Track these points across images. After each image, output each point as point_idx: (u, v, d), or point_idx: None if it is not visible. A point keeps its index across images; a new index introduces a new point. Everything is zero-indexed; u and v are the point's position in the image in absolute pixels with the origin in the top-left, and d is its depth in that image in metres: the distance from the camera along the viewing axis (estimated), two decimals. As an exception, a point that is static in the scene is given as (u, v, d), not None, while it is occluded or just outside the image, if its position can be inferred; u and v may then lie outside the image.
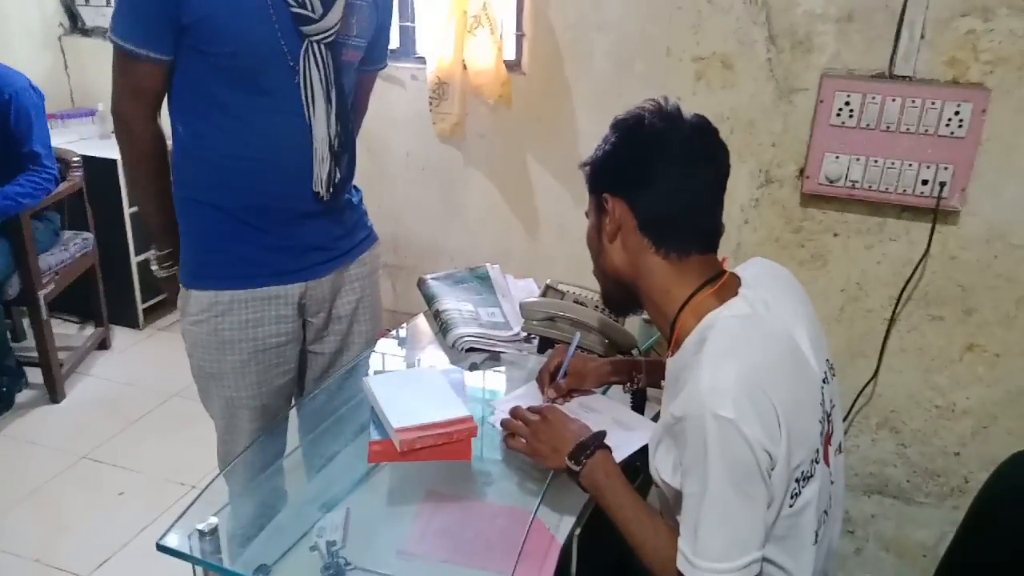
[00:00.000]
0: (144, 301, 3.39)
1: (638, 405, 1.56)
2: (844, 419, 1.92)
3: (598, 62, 2.25)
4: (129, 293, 3.35)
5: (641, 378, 1.46)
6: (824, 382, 1.13)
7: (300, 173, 1.47)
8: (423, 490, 1.38)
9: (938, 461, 1.91)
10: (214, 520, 1.18)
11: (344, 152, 1.50)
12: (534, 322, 1.64)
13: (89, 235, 3.10)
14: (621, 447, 1.26)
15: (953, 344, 1.81)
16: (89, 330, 3.31)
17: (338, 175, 1.50)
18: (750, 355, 1.02)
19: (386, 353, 1.81)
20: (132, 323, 3.40)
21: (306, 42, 1.38)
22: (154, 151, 1.48)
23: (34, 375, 2.91)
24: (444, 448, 1.27)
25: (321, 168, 1.47)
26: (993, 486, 1.36)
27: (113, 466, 2.56)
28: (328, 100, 1.43)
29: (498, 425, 1.35)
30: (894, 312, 1.81)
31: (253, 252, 1.50)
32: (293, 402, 1.74)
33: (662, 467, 1.06)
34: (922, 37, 1.64)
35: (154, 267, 1.62)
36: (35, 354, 2.88)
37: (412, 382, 1.44)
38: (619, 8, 2.30)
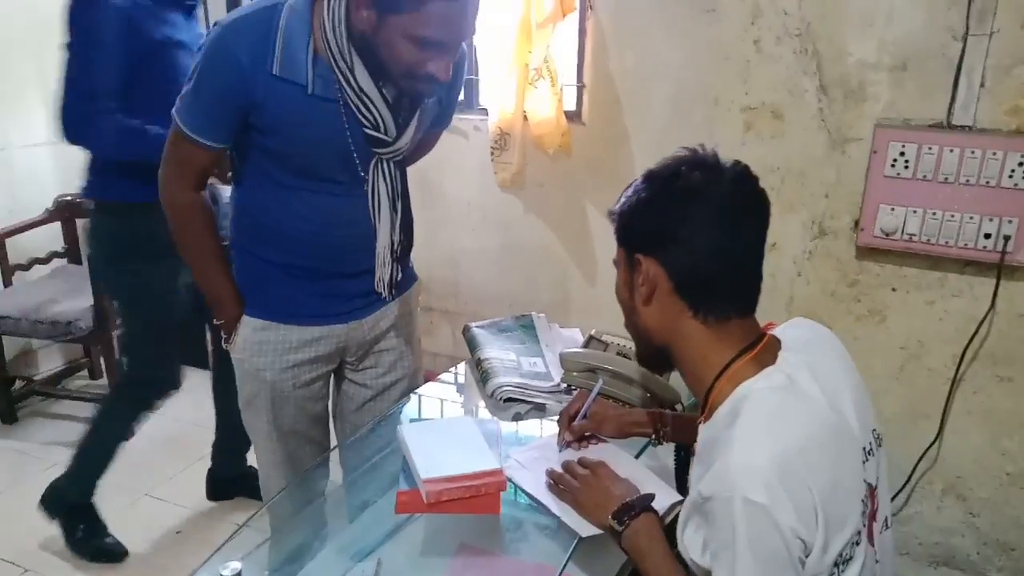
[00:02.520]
0: (214, 343, 3.48)
1: (681, 474, 1.51)
2: (906, 483, 1.82)
3: (656, 111, 2.25)
4: (199, 334, 3.46)
5: (667, 432, 1.41)
6: (869, 454, 1.06)
7: (358, 270, 1.54)
8: (454, 543, 1.36)
9: (1011, 533, 1.79)
10: (237, 565, 1.19)
11: (406, 255, 1.54)
12: (574, 373, 1.62)
13: (163, 278, 3.22)
14: None
15: (1023, 407, 1.70)
16: (161, 370, 3.42)
17: (399, 275, 1.54)
18: (786, 433, 0.95)
19: (431, 398, 1.82)
20: (202, 364, 3.50)
21: (375, 158, 1.42)
22: (195, 219, 1.51)
23: (105, 413, 3.01)
24: (472, 501, 1.26)
25: (383, 272, 1.53)
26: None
27: (173, 504, 2.61)
28: (394, 210, 1.48)
29: (513, 476, 1.34)
30: (957, 371, 1.72)
31: (299, 296, 1.55)
32: (331, 431, 1.77)
33: (691, 546, 1.01)
34: (982, 85, 1.59)
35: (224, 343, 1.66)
36: (108, 392, 2.99)
37: (446, 432, 1.43)
38: (677, 57, 2.30)
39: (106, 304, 2.85)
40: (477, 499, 1.26)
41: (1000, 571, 1.82)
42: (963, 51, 1.59)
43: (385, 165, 1.44)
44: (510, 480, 1.33)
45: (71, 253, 3.32)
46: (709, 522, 0.95)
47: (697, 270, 1.05)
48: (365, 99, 1.35)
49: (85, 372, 3.44)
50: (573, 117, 2.54)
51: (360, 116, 1.37)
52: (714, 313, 1.05)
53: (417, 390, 1.78)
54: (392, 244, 1.51)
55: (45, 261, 3.22)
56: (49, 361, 3.40)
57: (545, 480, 1.33)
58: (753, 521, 0.90)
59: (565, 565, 1.22)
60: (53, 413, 3.17)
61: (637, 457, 1.45)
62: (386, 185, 1.45)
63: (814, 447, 0.96)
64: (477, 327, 1.85)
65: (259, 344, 1.57)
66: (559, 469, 1.35)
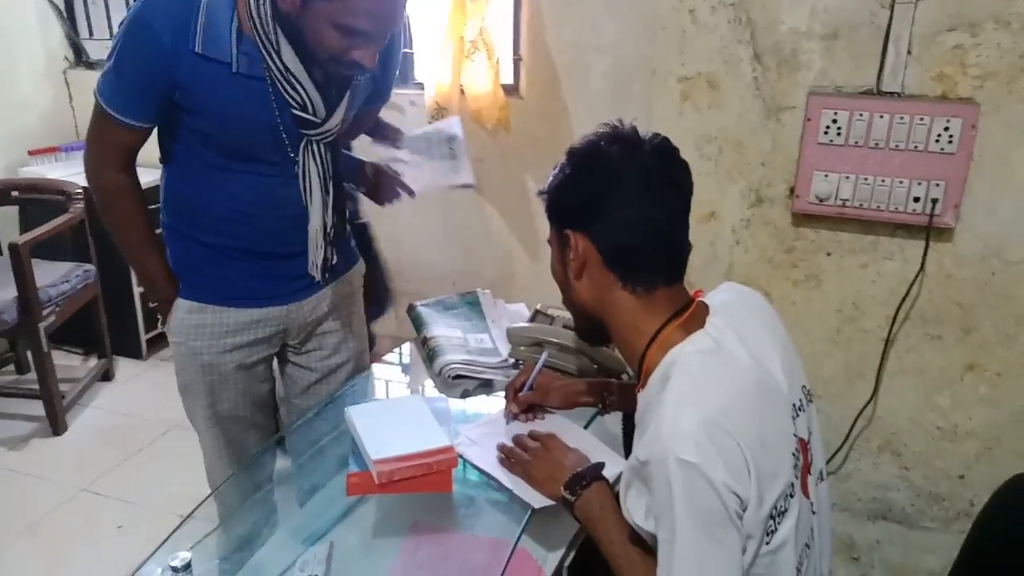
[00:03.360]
0: (147, 331, 3.40)
1: (628, 439, 1.53)
2: (844, 442, 1.88)
3: (595, 84, 2.26)
4: (132, 324, 3.36)
5: (613, 400, 1.43)
6: (799, 410, 1.10)
7: (293, 251, 1.51)
8: (407, 522, 1.36)
9: (942, 485, 1.86)
10: (187, 555, 1.16)
11: (339, 239, 1.52)
12: (521, 348, 1.62)
13: (91, 267, 3.12)
14: None
15: (953, 364, 1.77)
16: (93, 361, 3.32)
17: (334, 258, 1.52)
18: (713, 393, 0.99)
19: (377, 379, 1.80)
20: (135, 354, 3.41)
21: (305, 139, 1.39)
22: (121, 200, 1.46)
23: (36, 407, 2.91)
24: (424, 480, 1.26)
25: (316, 255, 1.51)
26: (993, 509, 1.33)
27: (113, 498, 2.55)
28: (326, 191, 1.45)
29: (464, 452, 1.35)
30: (890, 332, 1.77)
31: (235, 278, 1.52)
32: (277, 417, 1.75)
33: (635, 511, 1.03)
34: (909, 53, 1.62)
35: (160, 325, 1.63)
36: (36, 386, 2.89)
37: (394, 412, 1.42)
38: (616, 30, 2.31)
39: (31, 295, 2.74)
40: (429, 477, 1.26)
41: (932, 520, 1.90)
42: (890, 19, 1.62)
43: (316, 146, 1.41)
44: (461, 456, 1.33)
45: (-9, 243, 3.19)
46: (648, 486, 0.98)
47: (623, 242, 1.08)
48: (292, 79, 1.32)
49: (12, 367, 3.32)
50: (511, 91, 2.54)
51: (287, 96, 1.33)
52: (642, 283, 1.08)
53: (363, 371, 1.77)
54: (325, 227, 1.49)
55: (-36, 252, 3.09)
56: (-29, 356, 3.27)
57: (496, 455, 1.33)
58: (687, 479, 0.93)
59: (519, 537, 1.23)
60: (-22, 410, 3.05)
61: (586, 427, 1.47)
62: (317, 167, 1.42)
63: (741, 405, 1.00)
64: (422, 305, 1.84)
65: (195, 327, 1.53)
66: (509, 443, 1.35)
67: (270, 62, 1.31)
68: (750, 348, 1.06)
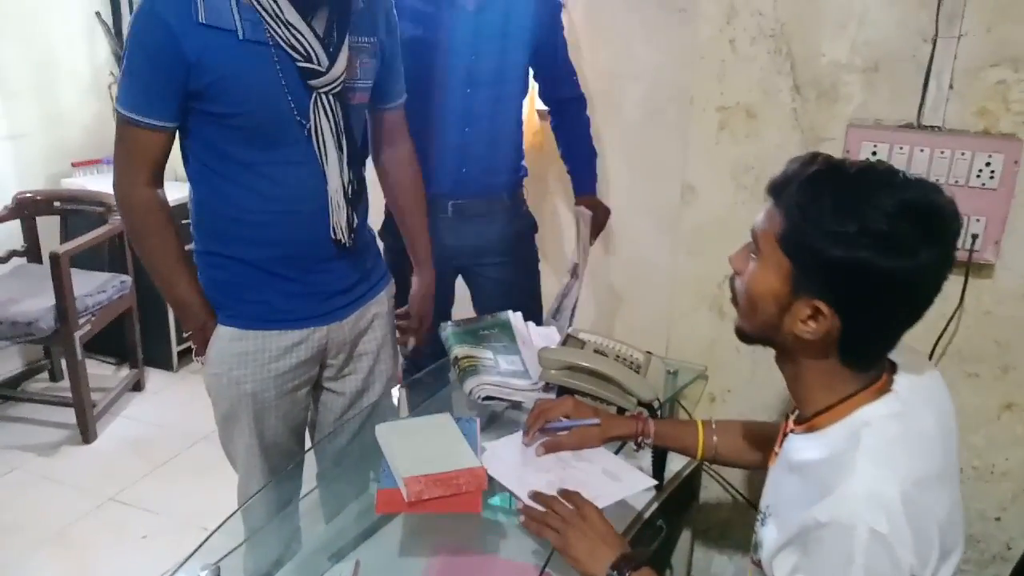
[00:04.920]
0: (179, 344, 3.44)
1: (659, 463, 1.52)
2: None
3: (629, 111, 2.27)
4: (164, 335, 3.40)
5: (648, 444, 1.39)
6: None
7: (318, 222, 1.49)
8: (434, 543, 1.36)
9: (977, 526, 1.82)
10: (216, 568, 1.17)
11: (359, 197, 1.52)
12: (552, 371, 1.61)
13: (127, 278, 3.17)
14: (603, 496, 1.22)
15: (990, 403, 1.73)
16: (125, 371, 3.36)
17: (356, 220, 1.52)
18: (909, 463, 0.93)
19: (407, 399, 1.81)
20: (166, 365, 3.45)
21: (314, 95, 1.40)
22: (153, 218, 1.46)
23: (67, 415, 2.95)
24: (453, 500, 1.25)
25: (339, 216, 1.49)
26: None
27: (139, 508, 2.57)
28: (339, 148, 1.45)
29: (488, 466, 1.30)
30: (927, 368, 1.75)
31: (276, 299, 1.52)
32: (307, 440, 1.75)
33: (780, 566, 0.98)
34: (950, 87, 1.61)
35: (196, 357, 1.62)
36: (69, 394, 2.93)
37: (424, 430, 1.42)
38: (651, 56, 2.32)
39: (68, 304, 2.78)
40: (458, 497, 1.25)
41: (967, 563, 1.86)
42: (932, 53, 1.61)
43: (325, 100, 1.42)
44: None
45: (31, 252, 3.24)
46: (814, 548, 0.92)
47: (872, 339, 0.99)
48: (294, 32, 1.35)
49: (45, 375, 3.37)
50: (545, 115, 2.54)
51: (291, 50, 1.36)
52: (859, 360, 1.00)
53: (393, 390, 1.77)
54: (343, 184, 1.48)
55: (4, 260, 3.15)
56: (8, 363, 3.32)
57: (523, 491, 1.27)
58: (873, 554, 0.87)
59: (547, 563, 1.22)
60: (11, 416, 3.10)
61: (616, 454, 1.46)
62: (328, 122, 1.43)
63: (933, 477, 0.94)
64: (453, 325, 1.84)
65: (238, 355, 1.52)
66: (534, 462, 1.33)
67: (271, 21, 1.34)
68: (935, 413, 1.01)
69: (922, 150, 1.62)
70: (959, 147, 1.60)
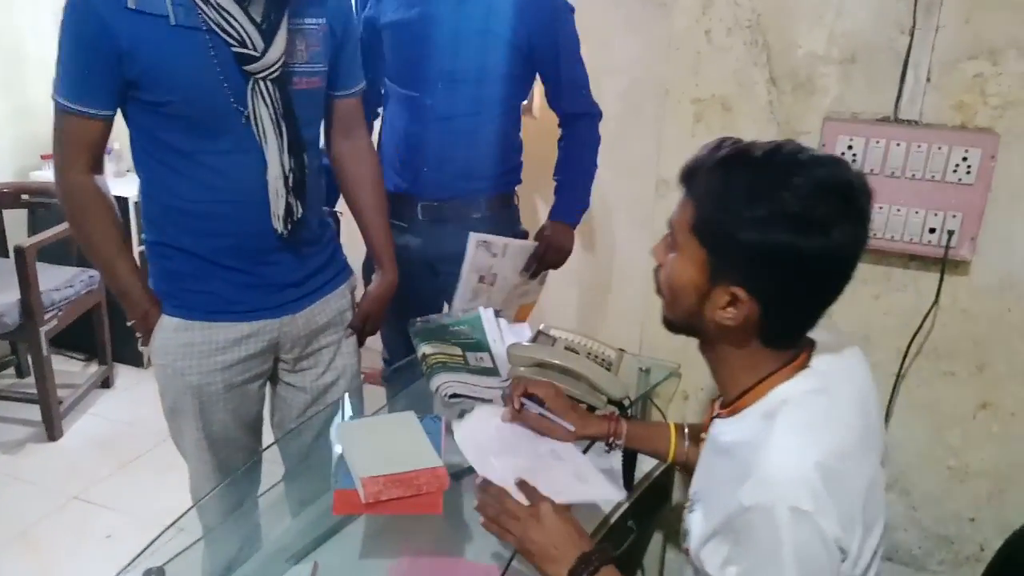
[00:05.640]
0: (149, 340, 3.37)
1: (629, 464, 1.48)
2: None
3: (608, 105, 2.22)
4: (133, 331, 3.33)
5: (619, 444, 1.35)
6: (883, 463, 1.04)
7: (259, 211, 1.45)
8: (396, 544, 1.32)
9: (951, 526, 1.80)
10: (160, 569, 1.13)
11: (302, 186, 1.47)
12: (521, 368, 1.58)
13: (96, 273, 3.10)
14: (565, 494, 1.16)
15: (966, 401, 1.71)
16: (94, 368, 3.30)
17: (299, 210, 1.47)
18: (827, 437, 0.92)
19: (373, 397, 1.77)
20: (136, 362, 3.39)
21: (251, 80, 1.36)
22: (94, 206, 1.43)
23: (33, 412, 2.89)
24: (413, 500, 1.21)
25: (277, 204, 1.44)
26: (1006, 556, 1.28)
27: (104, 507, 2.52)
28: (279, 135, 1.41)
29: (460, 443, 1.26)
30: (902, 366, 1.72)
31: (225, 290, 1.49)
32: (267, 437, 1.71)
33: (710, 558, 0.96)
34: (928, 80, 1.59)
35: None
36: (34, 391, 2.86)
37: (386, 429, 1.38)
38: (630, 51, 2.28)
39: (33, 299, 2.72)
40: (418, 498, 1.21)
41: (941, 564, 1.84)
42: (910, 45, 1.58)
43: (263, 86, 1.38)
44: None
45: (-3, 245, 3.18)
46: (741, 535, 0.90)
47: (793, 323, 0.98)
48: (226, 15, 1.31)
49: (12, 370, 3.30)
50: (524, 111, 2.50)
51: (225, 36, 1.32)
52: (779, 341, 1.00)
53: (356, 388, 1.73)
54: (283, 170, 1.43)
55: (-33, 254, 3.08)
56: (-29, 359, 3.25)
57: (489, 462, 1.22)
58: (799, 531, 0.86)
59: (509, 564, 1.18)
60: (-24, 413, 3.03)
61: (584, 453, 1.42)
62: (267, 108, 1.39)
63: (852, 448, 0.93)
64: (423, 322, 1.80)
65: (183, 346, 1.48)
66: (506, 441, 1.28)
67: (203, 6, 1.30)
68: (854, 389, 1.01)
69: (899, 144, 1.60)
70: (936, 141, 1.58)
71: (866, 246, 0.95)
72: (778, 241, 0.90)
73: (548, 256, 2.10)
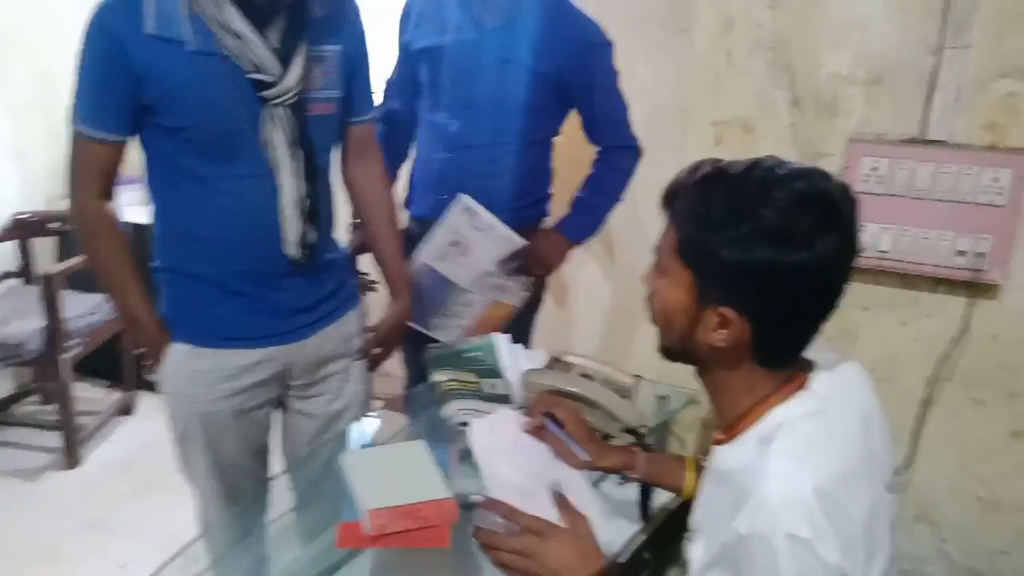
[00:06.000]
0: (171, 366, 3.37)
1: (645, 495, 1.43)
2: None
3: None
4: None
5: (635, 477, 1.31)
6: (891, 490, 0.99)
7: (272, 236, 1.43)
8: (403, 577, 1.28)
9: (981, 560, 1.72)
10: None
11: (317, 212, 1.46)
12: (535, 396, 1.54)
13: (119, 299, 3.11)
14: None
15: (997, 431, 1.65)
16: (116, 394, 3.30)
17: (313, 235, 1.45)
18: (825, 460, 0.88)
19: (383, 425, 1.74)
20: (158, 388, 3.38)
21: (266, 106, 1.36)
22: (105, 232, 1.43)
23: (54, 439, 2.89)
24: (419, 534, 1.17)
25: (291, 230, 1.43)
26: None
27: (120, 535, 2.50)
28: (293, 160, 1.40)
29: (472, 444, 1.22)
30: (930, 394, 1.66)
31: (235, 316, 1.47)
32: (277, 464, 1.68)
33: None
34: (957, 100, 1.54)
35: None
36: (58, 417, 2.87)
37: (394, 459, 1.34)
38: (651, 77, 2.26)
39: (57, 327, 2.73)
40: (425, 531, 1.17)
41: (976, 602, 1.76)
42: (938, 65, 1.54)
43: (278, 111, 1.37)
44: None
45: (26, 273, 3.20)
46: (742, 563, 0.87)
47: (787, 338, 0.95)
48: (243, 42, 1.31)
49: (36, 397, 3.31)
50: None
51: (242, 62, 1.32)
52: (774, 360, 0.96)
53: (368, 414, 1.70)
54: (296, 196, 1.42)
55: (-4, 280, 3.11)
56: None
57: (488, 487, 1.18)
58: (798, 560, 0.82)
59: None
60: (1, 441, 3.03)
61: (596, 485, 1.38)
62: (282, 133, 1.38)
63: (852, 474, 0.90)
64: (437, 348, 1.77)
65: (192, 373, 1.47)
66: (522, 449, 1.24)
67: (220, 33, 1.30)
68: (855, 413, 0.96)
69: (926, 165, 1.55)
70: (965, 162, 1.53)
71: (856, 257, 0.92)
72: (761, 258, 0.88)
73: (530, 260, 1.99)
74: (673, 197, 0.98)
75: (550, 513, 1.12)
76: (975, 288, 1.57)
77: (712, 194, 0.92)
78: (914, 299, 1.65)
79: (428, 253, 1.95)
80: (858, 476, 0.90)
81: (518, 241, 1.94)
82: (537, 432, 1.31)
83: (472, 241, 1.93)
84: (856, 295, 1.68)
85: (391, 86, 2.07)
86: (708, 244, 0.91)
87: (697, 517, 1.05)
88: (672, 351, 1.04)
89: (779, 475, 0.86)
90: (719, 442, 1.02)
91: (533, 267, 1.98)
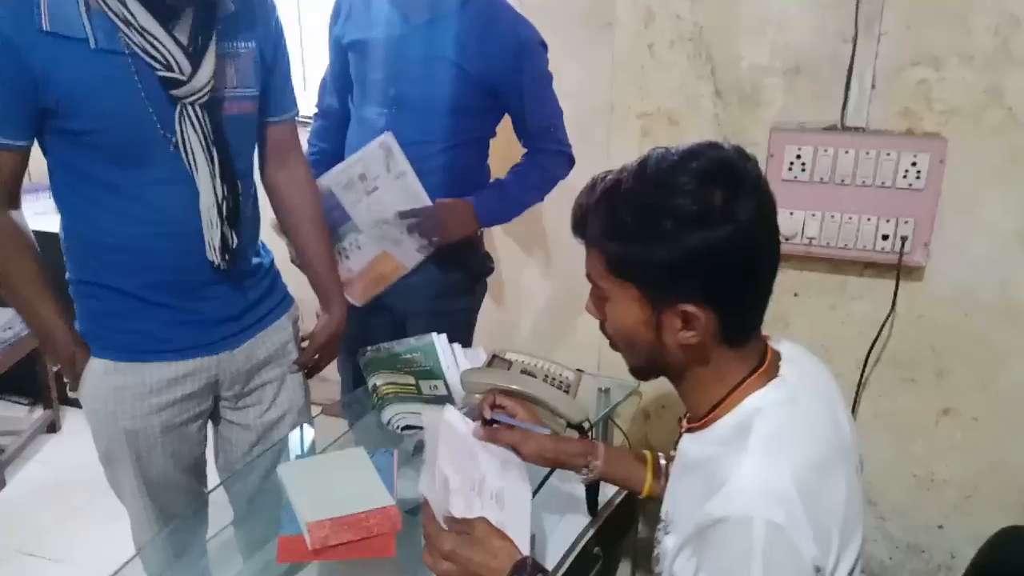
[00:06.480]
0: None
1: (593, 488, 1.43)
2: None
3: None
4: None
5: (597, 466, 1.30)
6: (858, 471, 1.02)
7: (192, 243, 1.38)
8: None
9: (921, 536, 1.78)
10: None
11: (237, 215, 1.41)
12: (476, 396, 1.53)
13: (38, 313, 2.98)
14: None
15: (928, 409, 1.70)
16: (38, 412, 3.17)
17: (234, 240, 1.40)
18: (802, 450, 0.89)
19: (321, 432, 1.70)
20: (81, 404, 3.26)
21: (179, 106, 1.30)
22: (11, 243, 1.34)
23: (-27, 462, 2.76)
24: (363, 544, 1.16)
25: (212, 234, 1.37)
26: (982, 564, 1.26)
27: (50, 560, 2.40)
28: (210, 162, 1.35)
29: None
30: (862, 375, 1.71)
31: (156, 328, 1.41)
32: (209, 479, 1.63)
33: (681, 573, 0.92)
34: (873, 87, 1.58)
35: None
36: (-25, 440, 2.74)
37: (334, 467, 1.32)
38: (577, 75, 2.26)
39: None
40: (369, 541, 1.15)
41: (912, 574, 1.82)
42: (853, 54, 1.58)
43: (191, 111, 1.31)
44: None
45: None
46: (712, 546, 0.87)
47: (748, 310, 0.95)
48: (150, 38, 1.25)
49: (-49, 419, 3.16)
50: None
51: (150, 59, 1.26)
52: (743, 337, 0.96)
53: (305, 423, 1.67)
54: (216, 199, 1.37)
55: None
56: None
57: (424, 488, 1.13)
58: (771, 546, 0.83)
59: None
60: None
61: (542, 484, 1.37)
62: (197, 134, 1.32)
63: (827, 464, 0.91)
64: (372, 350, 1.74)
65: (113, 390, 1.41)
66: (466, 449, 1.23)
67: (126, 29, 1.24)
68: (823, 400, 0.98)
69: (847, 152, 1.59)
70: (884, 147, 1.57)
71: (775, 206, 0.94)
72: (693, 245, 0.88)
73: (431, 222, 1.87)
74: (583, 222, 0.98)
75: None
76: (900, 271, 1.61)
77: (620, 204, 0.93)
78: (842, 283, 1.69)
79: (334, 177, 1.86)
80: (833, 465, 0.92)
81: (424, 199, 1.87)
82: (491, 433, 1.29)
83: (380, 182, 1.85)
84: (786, 281, 1.72)
85: (324, 82, 2.03)
86: (637, 253, 0.91)
87: (667, 508, 1.05)
88: (642, 369, 1.04)
89: (758, 462, 0.87)
90: (690, 431, 1.02)
91: (432, 230, 1.88)
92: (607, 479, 1.33)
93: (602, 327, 1.04)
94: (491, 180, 2.04)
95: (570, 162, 1.99)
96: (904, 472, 1.75)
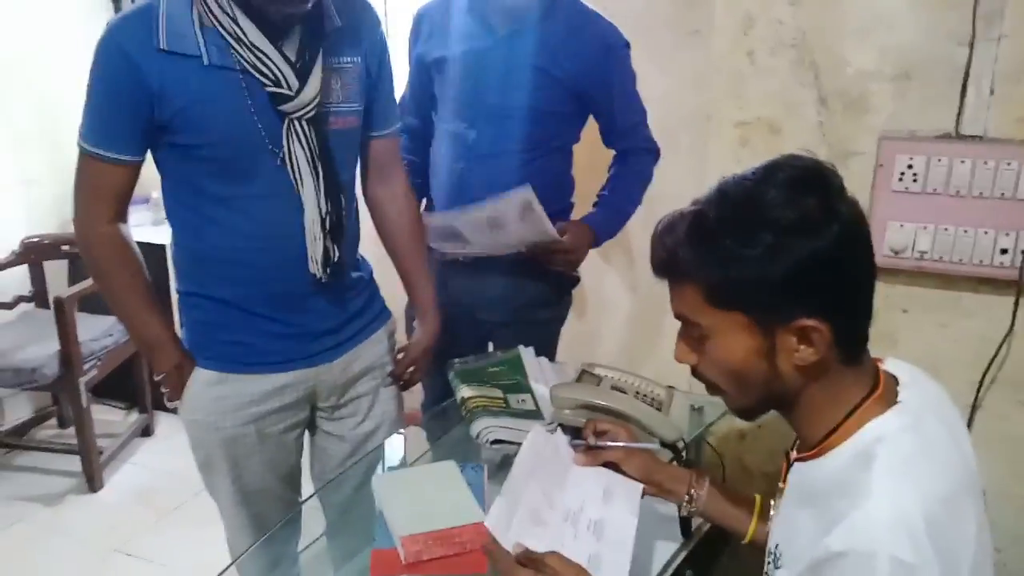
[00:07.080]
0: (190, 386, 3.35)
1: (686, 519, 1.38)
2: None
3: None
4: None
5: (701, 496, 1.24)
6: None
7: (295, 256, 1.39)
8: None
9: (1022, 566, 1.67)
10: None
11: (340, 229, 1.42)
12: (566, 411, 1.49)
13: (136, 319, 3.09)
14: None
15: (1048, 434, 1.59)
16: (134, 416, 3.28)
17: (336, 253, 1.41)
18: (929, 481, 0.84)
19: (410, 444, 1.70)
20: (176, 409, 3.36)
21: (287, 121, 1.32)
22: (119, 257, 1.38)
23: (74, 463, 2.86)
24: (455, 560, 1.13)
25: (315, 248, 1.39)
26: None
27: (145, 560, 2.47)
28: (316, 177, 1.36)
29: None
30: (976, 397, 1.61)
31: (256, 340, 1.43)
32: (303, 489, 1.64)
33: None
34: (991, 93, 1.49)
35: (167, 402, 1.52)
36: (75, 441, 2.84)
37: (426, 480, 1.30)
38: (661, 83, 2.22)
39: (72, 350, 2.71)
40: (462, 557, 1.13)
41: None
42: (970, 57, 1.50)
43: (297, 125, 1.33)
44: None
45: (38, 297, 3.18)
46: None
47: (859, 321, 0.92)
48: (260, 55, 1.28)
49: (54, 421, 3.29)
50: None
51: (259, 76, 1.29)
52: (857, 348, 0.92)
53: (399, 433, 1.67)
54: (320, 213, 1.38)
55: (10, 306, 3.09)
56: (17, 410, 3.24)
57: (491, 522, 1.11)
58: None
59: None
60: (18, 466, 3.02)
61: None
62: (303, 149, 1.34)
63: (958, 496, 0.85)
64: (460, 363, 1.73)
65: (215, 400, 1.43)
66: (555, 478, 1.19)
67: (237, 46, 1.26)
68: (947, 427, 0.92)
69: (963, 161, 1.51)
70: (1004, 156, 1.48)
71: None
72: (802, 254, 0.86)
73: (558, 252, 1.89)
74: (671, 262, 0.95)
75: (555, 545, 1.06)
76: (1021, 286, 1.52)
77: (713, 232, 0.90)
78: (955, 300, 1.60)
79: (463, 220, 1.84)
80: (962, 497, 0.86)
81: (554, 234, 1.87)
82: (595, 456, 1.26)
83: (511, 225, 1.85)
84: (895, 297, 1.63)
85: (405, 101, 2.04)
86: (745, 275, 0.88)
87: (776, 540, 1.00)
88: (752, 409, 1.00)
89: (885, 494, 0.82)
90: (801, 459, 0.97)
91: (558, 259, 1.90)
92: (705, 514, 1.27)
93: (694, 372, 1.00)
94: (573, 191, 2.04)
95: (657, 157, 1.97)
96: (1021, 500, 1.64)
